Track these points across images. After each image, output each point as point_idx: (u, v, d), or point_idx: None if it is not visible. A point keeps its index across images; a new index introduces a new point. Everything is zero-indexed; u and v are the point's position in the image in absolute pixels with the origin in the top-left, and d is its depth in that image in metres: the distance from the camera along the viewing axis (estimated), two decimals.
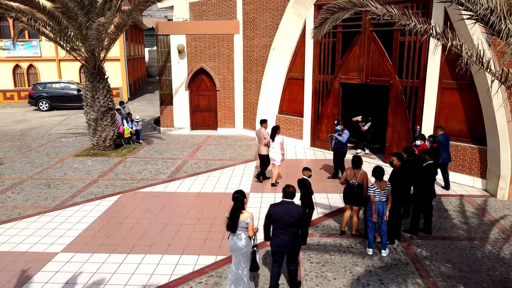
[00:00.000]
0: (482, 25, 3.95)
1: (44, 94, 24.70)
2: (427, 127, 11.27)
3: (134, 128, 15.63)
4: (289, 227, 5.64)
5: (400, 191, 7.37)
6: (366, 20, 12.42)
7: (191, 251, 7.28)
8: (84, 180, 11.41)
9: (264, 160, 10.93)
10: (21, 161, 13.38)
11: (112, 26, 14.15)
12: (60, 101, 24.92)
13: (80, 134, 17.46)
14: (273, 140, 10.56)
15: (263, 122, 11.02)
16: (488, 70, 4.02)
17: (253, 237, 5.76)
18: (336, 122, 11.50)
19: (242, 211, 5.63)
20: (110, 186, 10.85)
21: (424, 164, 7.86)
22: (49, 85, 25.04)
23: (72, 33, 13.05)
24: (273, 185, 10.76)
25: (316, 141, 14.74)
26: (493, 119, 9.75)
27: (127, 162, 13.21)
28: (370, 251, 7.14)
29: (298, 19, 14.33)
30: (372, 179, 7.17)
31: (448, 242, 7.63)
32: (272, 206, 5.84)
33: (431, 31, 4.08)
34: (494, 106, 9.52)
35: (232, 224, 5.62)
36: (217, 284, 6.24)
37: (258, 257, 5.81)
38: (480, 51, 4.07)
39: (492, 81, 4.19)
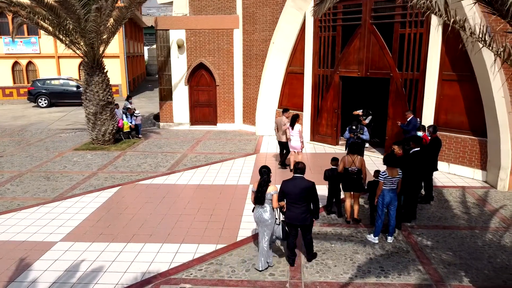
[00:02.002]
0: (483, 4, 3.92)
1: (43, 91, 24.66)
2: (427, 119, 11.24)
3: (133, 123, 15.60)
4: (300, 200, 6.04)
5: (405, 179, 7.33)
6: (366, 13, 12.40)
7: (191, 240, 7.25)
8: (83, 173, 11.37)
9: (284, 147, 11.35)
10: (20, 155, 13.34)
11: (111, 20, 14.11)
12: (59, 97, 24.88)
13: (80, 129, 17.42)
14: (292, 128, 10.80)
15: (286, 111, 11.36)
16: (491, 47, 4.00)
17: (277, 210, 6.23)
18: (354, 127, 10.49)
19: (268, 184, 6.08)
20: (110, 179, 10.82)
21: (411, 152, 7.87)
22: (48, 81, 25.02)
23: (71, 26, 13.01)
24: (291, 170, 10.92)
25: (316, 135, 14.72)
26: (493, 110, 9.73)
27: (126, 155, 13.18)
28: (376, 240, 7.08)
29: (298, 13, 14.30)
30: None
31: (449, 231, 7.61)
32: (284, 182, 6.24)
33: (433, 7, 4.05)
34: (495, 94, 9.49)
35: (261, 197, 6.06)
36: (217, 272, 6.21)
37: (279, 229, 6.26)
38: (482, 27, 4.04)
39: (495, 60, 4.16)
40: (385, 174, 6.85)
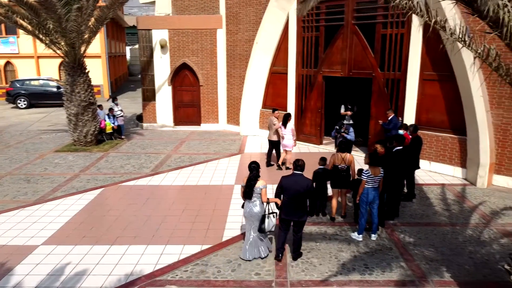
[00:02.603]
0: (463, 5, 4.01)
1: (23, 92, 24.14)
2: (409, 118, 11.43)
3: (116, 124, 15.40)
4: (298, 197, 6.19)
5: (387, 177, 7.44)
6: (349, 13, 12.53)
7: (176, 241, 7.21)
8: (65, 175, 11.18)
9: (274, 146, 11.52)
10: None
11: (93, 19, 13.91)
12: (39, 98, 24.38)
13: (61, 130, 17.11)
14: (285, 127, 11.01)
15: (274, 110, 11.62)
16: (470, 48, 4.10)
17: (266, 204, 6.38)
18: (338, 127, 11.02)
19: (258, 179, 6.27)
20: (92, 181, 10.66)
21: (393, 150, 8.02)
22: (28, 82, 24.50)
23: (51, 26, 12.76)
24: (287, 168, 11.16)
25: (300, 134, 14.78)
26: (472, 109, 9.96)
27: (109, 157, 13.01)
28: (360, 237, 7.18)
29: (281, 13, 14.35)
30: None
31: (431, 228, 7.76)
32: (284, 178, 6.38)
33: (415, 7, 4.13)
34: (474, 94, 9.71)
35: (249, 191, 6.25)
36: (203, 272, 6.19)
37: (268, 222, 6.33)
38: (462, 27, 4.15)
39: (474, 60, 4.26)
40: (368, 173, 6.95)
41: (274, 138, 11.38)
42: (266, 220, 6.31)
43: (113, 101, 16.00)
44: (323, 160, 8.22)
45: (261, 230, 6.34)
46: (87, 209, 8.78)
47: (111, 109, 15.52)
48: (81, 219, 8.22)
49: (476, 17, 4.03)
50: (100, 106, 15.28)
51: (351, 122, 13.27)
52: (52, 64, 27.65)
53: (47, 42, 13.39)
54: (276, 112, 11.57)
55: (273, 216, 6.42)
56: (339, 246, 6.99)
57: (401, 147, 8.13)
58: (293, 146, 11.31)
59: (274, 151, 11.69)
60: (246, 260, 6.45)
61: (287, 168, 11.20)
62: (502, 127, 9.88)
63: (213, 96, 17.35)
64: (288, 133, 11.06)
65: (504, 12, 3.29)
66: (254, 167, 6.34)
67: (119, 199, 9.33)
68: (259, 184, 6.28)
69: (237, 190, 9.79)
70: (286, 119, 11.08)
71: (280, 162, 11.45)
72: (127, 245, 7.07)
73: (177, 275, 6.13)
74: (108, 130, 15.09)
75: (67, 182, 10.57)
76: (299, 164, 6.42)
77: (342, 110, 13.55)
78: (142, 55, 17.19)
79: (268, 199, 6.39)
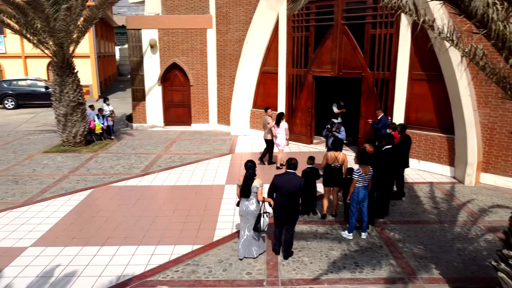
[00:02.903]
0: (450, 5, 4.07)
1: (10, 92, 23.82)
2: (398, 118, 11.54)
3: (105, 124, 15.29)
4: (291, 195, 6.27)
5: (375, 176, 7.51)
6: (338, 13, 12.61)
7: (167, 242, 7.19)
8: (54, 176, 11.07)
9: (268, 145, 11.70)
10: None
11: (82, 19, 13.79)
12: (27, 99, 24.08)
13: (49, 131, 16.93)
14: (278, 126, 11.12)
15: (267, 109, 11.74)
16: (458, 47, 4.17)
17: (262, 203, 6.44)
18: (330, 126, 10.83)
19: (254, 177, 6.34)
20: (82, 181, 10.58)
21: (382, 149, 8.11)
22: (15, 82, 24.18)
23: (39, 25, 12.62)
24: (278, 168, 11.32)
25: (290, 134, 14.78)
26: (460, 109, 10.09)
27: (99, 157, 12.91)
28: (350, 236, 7.23)
29: (271, 13, 14.38)
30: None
31: (420, 225, 7.85)
32: (276, 177, 6.46)
33: (404, 7, 4.18)
34: (461, 93, 9.85)
35: (247, 190, 6.31)
36: (194, 272, 6.18)
37: (263, 221, 6.35)
38: (450, 27, 4.21)
39: (461, 59, 4.33)
40: (360, 172, 7.00)
41: (268, 137, 11.54)
42: (262, 219, 6.35)
43: (104, 102, 15.94)
44: (311, 159, 8.29)
45: (256, 229, 6.38)
46: (76, 210, 8.71)
47: (100, 110, 15.41)
48: (70, 220, 8.15)
49: (464, 17, 4.09)
50: (91, 107, 15.18)
51: (340, 120, 13.39)
52: (40, 64, 27.33)
53: (34, 41, 13.24)
54: (269, 110, 11.67)
55: (267, 215, 6.45)
56: (330, 245, 7.03)
57: (390, 146, 8.20)
58: (285, 145, 11.39)
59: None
60: (239, 259, 6.49)
61: (278, 168, 11.30)
62: (489, 126, 10.03)
63: (203, 96, 17.32)
64: (281, 132, 11.15)
65: (493, 10, 3.34)
66: (250, 166, 6.41)
67: (109, 200, 9.27)
68: (256, 183, 6.35)
69: (228, 190, 9.79)
70: (279, 118, 11.16)
71: (278, 164, 11.45)
72: (117, 246, 7.03)
73: (168, 276, 6.11)
74: (98, 130, 14.97)
75: (56, 183, 10.47)
76: (292, 163, 6.49)
77: (335, 109, 13.63)
78: (131, 55, 17.09)
79: (263, 198, 6.44)
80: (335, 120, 12.61)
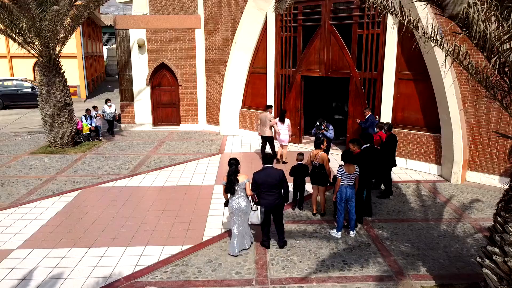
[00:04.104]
0: (433, 6, 4.13)
1: None
2: (386, 117, 11.65)
3: (93, 125, 15.16)
4: (273, 188, 6.51)
5: (362, 175, 7.57)
6: (326, 14, 12.68)
7: (156, 242, 7.16)
8: (41, 177, 10.94)
9: (268, 141, 11.96)
10: None
11: (68, 19, 13.65)
12: (13, 99, 23.76)
13: (36, 132, 16.72)
14: (282, 122, 11.54)
15: (269, 107, 12.01)
16: (441, 47, 4.23)
17: (251, 198, 6.61)
18: (318, 123, 10.85)
19: (239, 174, 6.44)
20: (69, 183, 10.47)
21: (362, 148, 8.16)
22: (1, 83, 23.81)
23: (25, 25, 12.46)
24: (283, 163, 11.73)
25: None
26: (446, 108, 10.23)
27: (86, 158, 12.79)
28: (339, 234, 7.29)
29: (259, 13, 14.41)
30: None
31: (407, 223, 7.94)
32: (256, 174, 6.58)
33: (390, 7, 4.23)
34: (447, 92, 9.98)
35: (231, 186, 6.38)
36: (183, 273, 6.17)
37: (257, 214, 6.59)
38: (434, 27, 4.27)
39: (445, 58, 4.40)
40: (342, 170, 7.06)
41: (267, 133, 11.75)
42: (256, 213, 6.56)
43: (105, 103, 15.84)
44: (301, 155, 8.45)
45: (262, 223, 6.60)
46: (64, 211, 8.62)
47: (88, 110, 15.28)
48: (58, 222, 8.07)
49: (447, 18, 4.15)
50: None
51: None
52: (26, 64, 26.96)
53: (20, 41, 13.06)
54: (271, 109, 11.98)
55: (259, 209, 6.62)
56: (319, 244, 7.08)
57: (368, 145, 8.26)
58: (289, 141, 11.89)
59: (268, 146, 12.07)
60: (235, 256, 6.57)
61: (284, 163, 11.73)
62: (474, 125, 10.19)
63: (192, 96, 17.27)
64: (284, 128, 11.57)
65: (474, 11, 3.40)
66: (232, 163, 6.51)
67: (97, 201, 9.20)
68: (242, 178, 6.47)
69: (217, 190, 9.79)
70: (283, 115, 11.65)
71: (278, 156, 11.88)
72: (105, 247, 6.98)
73: (157, 276, 6.09)
74: (85, 131, 14.84)
75: (43, 184, 10.35)
76: (267, 157, 6.73)
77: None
78: (119, 55, 16.96)
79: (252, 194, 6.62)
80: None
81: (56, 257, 6.68)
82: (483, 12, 3.43)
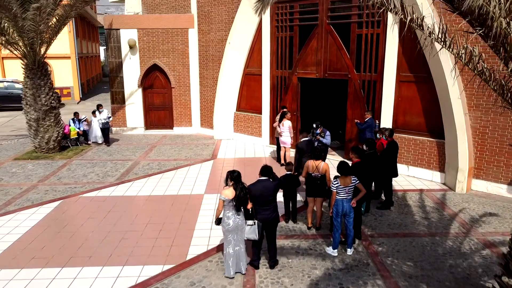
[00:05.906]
0: (442, 1, 3.53)
1: None
2: (386, 121, 11.05)
3: (81, 129, 14.56)
4: (269, 202, 6.12)
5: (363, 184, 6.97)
6: (323, 13, 12.08)
7: (135, 261, 6.56)
8: (21, 185, 10.35)
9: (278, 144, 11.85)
10: None
11: (54, 19, 13.06)
12: (3, 101, 23.18)
13: (24, 136, 16.12)
14: (282, 124, 11.29)
15: (286, 112, 11.71)
16: (451, 49, 3.63)
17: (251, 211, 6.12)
18: (315, 126, 10.14)
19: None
20: (51, 192, 9.88)
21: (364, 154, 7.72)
22: None
23: (6, 25, 11.87)
24: (282, 165, 11.23)
25: (275, 138, 14.26)
26: (450, 112, 9.62)
27: (72, 164, 12.19)
28: (335, 252, 6.68)
29: (254, 12, 13.77)
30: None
31: (410, 238, 7.33)
32: (251, 186, 6.10)
33: (388, 4, 3.64)
34: (451, 95, 9.38)
35: (242, 205, 5.92)
36: None
37: (254, 229, 5.99)
38: (441, 26, 3.67)
39: (456, 62, 3.79)
40: (337, 183, 6.47)
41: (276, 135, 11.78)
42: (253, 228, 5.99)
43: (97, 109, 14.56)
44: (288, 165, 7.86)
45: (248, 239, 6.06)
46: (41, 224, 8.03)
47: (76, 113, 14.68)
48: (32, 237, 7.47)
49: (457, 15, 3.55)
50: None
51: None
52: (17, 66, 26.24)
53: (3, 42, 12.47)
54: (288, 114, 11.56)
55: (255, 223, 6.04)
56: (313, 263, 6.48)
57: (372, 151, 7.75)
58: (291, 143, 11.43)
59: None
60: (230, 278, 5.99)
61: (283, 165, 11.09)
62: (480, 130, 9.58)
63: (185, 99, 16.67)
64: (285, 130, 11.27)
65: (494, 5, 2.80)
66: (236, 177, 5.94)
67: (77, 213, 8.60)
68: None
69: (207, 200, 9.19)
70: (282, 116, 11.35)
71: (282, 161, 11.61)
72: (80, 267, 6.39)
73: None
74: (73, 135, 14.25)
75: (23, 194, 9.76)
76: (267, 169, 6.25)
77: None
78: (110, 56, 16.37)
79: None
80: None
81: (24, 279, 6.08)
82: (507, 4, 2.81)
